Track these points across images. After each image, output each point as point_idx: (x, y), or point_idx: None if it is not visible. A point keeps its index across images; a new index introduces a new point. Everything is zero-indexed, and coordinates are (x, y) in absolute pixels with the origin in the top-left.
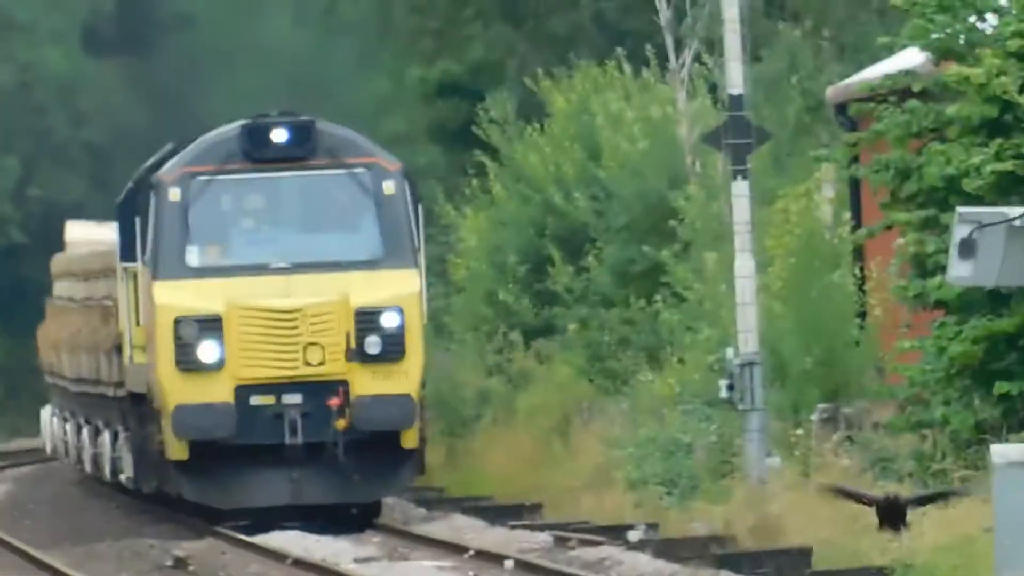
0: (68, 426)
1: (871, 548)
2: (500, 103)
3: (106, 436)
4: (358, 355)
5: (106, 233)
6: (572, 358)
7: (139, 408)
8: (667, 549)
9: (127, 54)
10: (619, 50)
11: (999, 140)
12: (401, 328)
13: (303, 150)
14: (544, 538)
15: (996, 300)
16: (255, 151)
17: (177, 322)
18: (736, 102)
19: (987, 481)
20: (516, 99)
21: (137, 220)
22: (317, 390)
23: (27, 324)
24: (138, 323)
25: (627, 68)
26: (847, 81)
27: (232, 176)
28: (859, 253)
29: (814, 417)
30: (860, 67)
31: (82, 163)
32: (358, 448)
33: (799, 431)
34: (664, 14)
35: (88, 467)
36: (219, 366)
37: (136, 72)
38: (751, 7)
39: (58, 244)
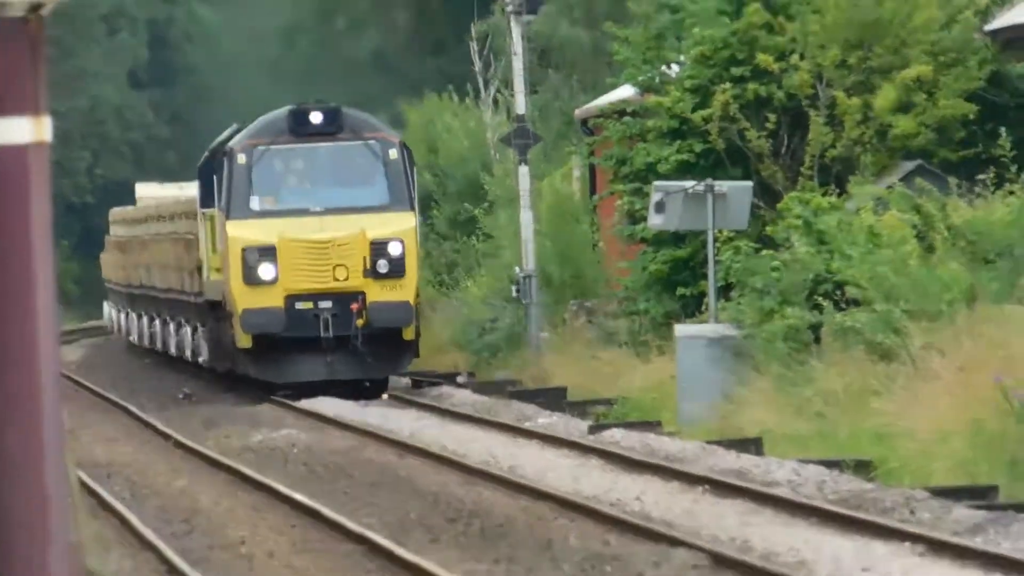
0: (126, 317)
1: (604, 388)
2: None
3: (187, 330)
4: (372, 273)
5: (165, 191)
6: (424, 273)
7: (214, 311)
8: (480, 388)
9: (157, 88)
10: (450, 87)
11: (679, 141)
12: (402, 254)
13: (333, 127)
14: (405, 382)
15: (677, 238)
16: (298, 128)
17: (244, 250)
18: (521, 118)
19: (673, 346)
20: (388, 118)
21: (214, 178)
22: (343, 298)
23: (92, 252)
24: (214, 251)
25: (455, 97)
26: (587, 105)
27: (282, 146)
28: (594, 210)
29: (569, 308)
30: (596, 97)
31: (128, 156)
32: (372, 339)
33: (559, 316)
34: (477, 64)
35: (173, 350)
36: (274, 281)
37: (162, 99)
38: (530, 60)
39: (116, 203)
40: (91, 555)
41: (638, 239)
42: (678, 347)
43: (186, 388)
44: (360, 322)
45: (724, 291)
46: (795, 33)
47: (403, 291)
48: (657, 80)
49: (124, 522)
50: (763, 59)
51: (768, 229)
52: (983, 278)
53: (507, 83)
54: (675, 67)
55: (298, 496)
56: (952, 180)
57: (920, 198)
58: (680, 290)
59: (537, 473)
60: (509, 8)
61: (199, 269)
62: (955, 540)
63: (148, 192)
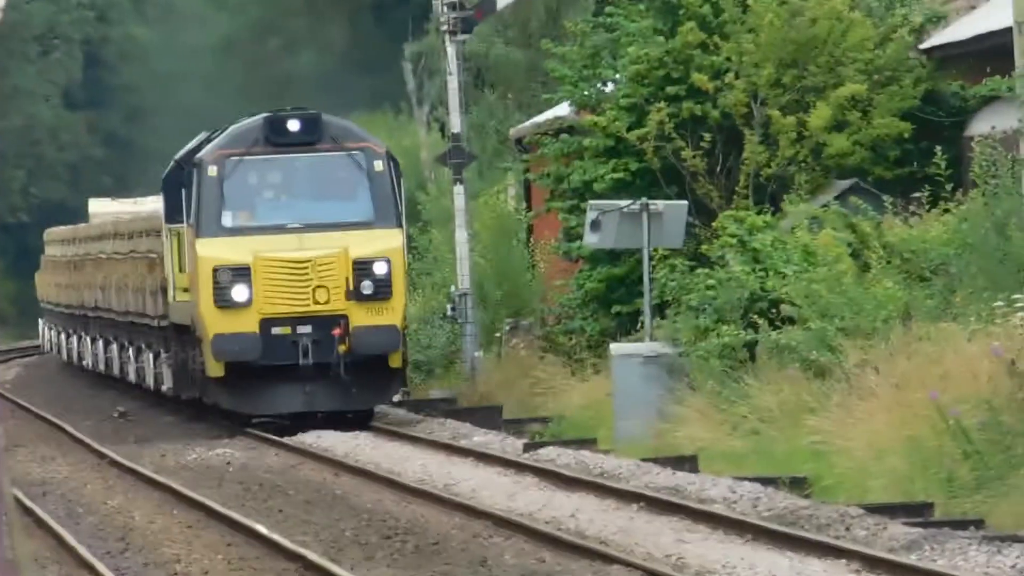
0: (66, 337)
1: (540, 406)
2: None
3: (149, 356)
4: (355, 295)
5: (119, 207)
6: None
7: (180, 336)
8: (416, 407)
9: (92, 108)
10: (385, 105)
11: (615, 160)
12: (388, 274)
13: (312, 136)
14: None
15: (613, 256)
16: (275, 137)
17: (215, 269)
18: (456, 137)
19: (609, 364)
20: None
21: (183, 191)
22: (324, 322)
23: (27, 272)
24: (181, 270)
25: (392, 115)
26: (523, 124)
27: (257, 157)
28: (530, 228)
29: (504, 327)
30: (531, 116)
31: (63, 176)
32: (356, 367)
33: (495, 335)
34: (411, 83)
35: (131, 377)
36: (248, 304)
37: (97, 119)
38: (465, 80)
39: (51, 223)
40: (27, 573)
41: (574, 256)
42: (614, 365)
43: (121, 407)
44: (343, 348)
45: (659, 309)
46: (730, 52)
47: (389, 315)
48: (593, 98)
49: (60, 540)
50: (698, 78)
51: (703, 247)
52: (918, 296)
53: (442, 102)
54: (611, 85)
55: (233, 514)
56: (887, 198)
57: (855, 217)
58: (615, 307)
59: (472, 491)
60: (444, 28)
61: (164, 290)
62: (891, 557)
63: (103, 208)
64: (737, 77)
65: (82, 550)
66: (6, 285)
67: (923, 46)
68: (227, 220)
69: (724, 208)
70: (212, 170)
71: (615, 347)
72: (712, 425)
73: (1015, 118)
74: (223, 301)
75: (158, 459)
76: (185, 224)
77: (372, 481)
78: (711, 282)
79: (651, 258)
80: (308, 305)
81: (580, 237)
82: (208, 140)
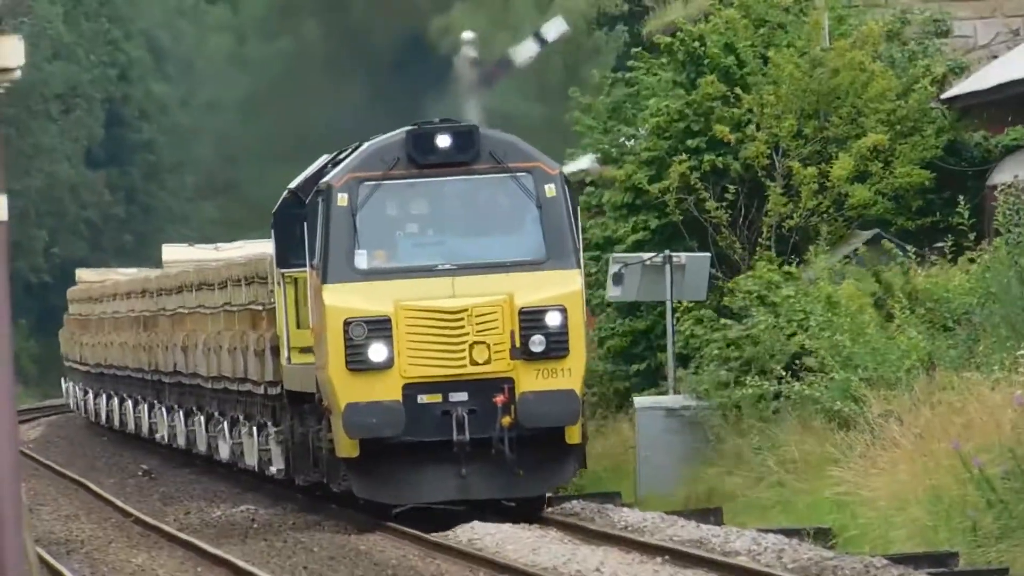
0: (148, 409)
1: None
2: None
3: (249, 430)
4: (522, 353)
5: (200, 253)
6: None
7: (297, 407)
8: None
9: (112, 166)
10: None
11: (634, 219)
12: (564, 326)
13: (467, 155)
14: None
15: (634, 308)
16: (420, 157)
17: (347, 323)
18: None
19: (632, 417)
20: None
21: (304, 226)
22: (483, 388)
23: (50, 331)
24: (299, 326)
25: None
26: None
27: (398, 181)
28: None
29: None
30: None
31: (84, 234)
32: (523, 444)
33: None
34: None
35: (223, 455)
36: (388, 365)
37: (117, 177)
38: None
39: (70, 284)
40: None
41: (593, 310)
42: (637, 418)
43: (144, 465)
44: (507, 420)
45: (682, 361)
46: (751, 104)
47: (566, 377)
48: (615, 152)
49: None
50: (719, 130)
51: (726, 300)
52: (941, 345)
53: None
54: (632, 140)
55: (258, 571)
56: (910, 248)
57: (880, 265)
58: (635, 366)
59: (496, 545)
60: (466, 82)
61: (274, 350)
62: None
63: (179, 255)
64: (758, 129)
65: None
66: (29, 346)
67: (945, 96)
68: (361, 261)
69: (747, 259)
70: (342, 199)
71: (639, 400)
72: (736, 477)
73: None
74: (357, 363)
75: (182, 517)
76: (308, 267)
77: (396, 537)
78: (738, 334)
79: (674, 310)
80: (463, 366)
81: (600, 286)
82: (335, 162)
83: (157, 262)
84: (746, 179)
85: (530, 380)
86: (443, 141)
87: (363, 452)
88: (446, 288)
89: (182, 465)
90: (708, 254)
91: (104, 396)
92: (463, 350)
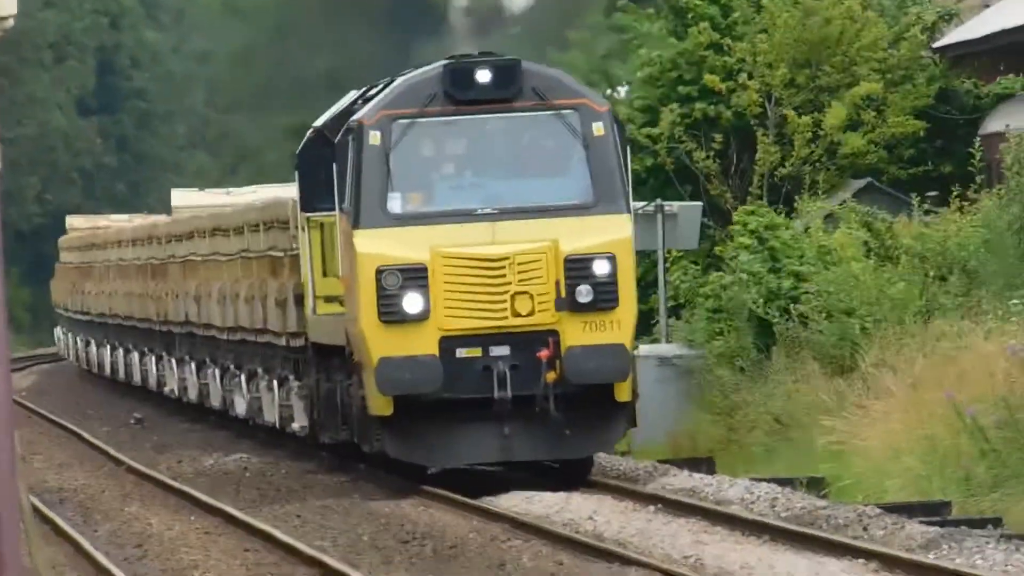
0: (156, 361)
1: None
2: None
3: (269, 384)
4: (568, 304)
5: (211, 198)
6: None
7: (323, 361)
8: None
9: (104, 114)
10: None
11: None
12: (613, 276)
13: (508, 91)
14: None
15: None
16: (458, 93)
17: (380, 271)
18: None
19: None
20: None
21: (333, 167)
22: (526, 341)
23: (42, 279)
24: (324, 274)
25: None
26: None
27: (435, 119)
28: None
29: None
30: None
31: (77, 182)
32: (569, 402)
33: None
34: None
35: (240, 411)
36: (424, 317)
37: (108, 125)
38: None
39: (62, 231)
40: None
41: None
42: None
43: (137, 413)
44: (552, 376)
45: (674, 311)
46: (743, 53)
47: (615, 330)
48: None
49: (77, 547)
50: (710, 79)
51: (718, 248)
52: (936, 294)
53: None
54: (621, 91)
55: (251, 520)
56: (914, 196)
57: (870, 216)
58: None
59: (487, 492)
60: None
61: (297, 299)
62: (908, 556)
63: (189, 200)
64: (750, 77)
65: (99, 557)
66: (21, 293)
67: (936, 45)
68: (395, 205)
69: (738, 209)
70: (374, 137)
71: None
72: (728, 426)
73: None
74: (390, 314)
75: (175, 465)
76: (337, 212)
77: (389, 486)
78: (725, 282)
79: (665, 260)
80: (505, 318)
81: None
82: (365, 98)
83: (151, 209)
84: (737, 128)
85: (576, 333)
86: (483, 76)
87: (397, 410)
88: (486, 234)
89: (173, 413)
90: (700, 203)
91: (108, 347)
92: (504, 301)
